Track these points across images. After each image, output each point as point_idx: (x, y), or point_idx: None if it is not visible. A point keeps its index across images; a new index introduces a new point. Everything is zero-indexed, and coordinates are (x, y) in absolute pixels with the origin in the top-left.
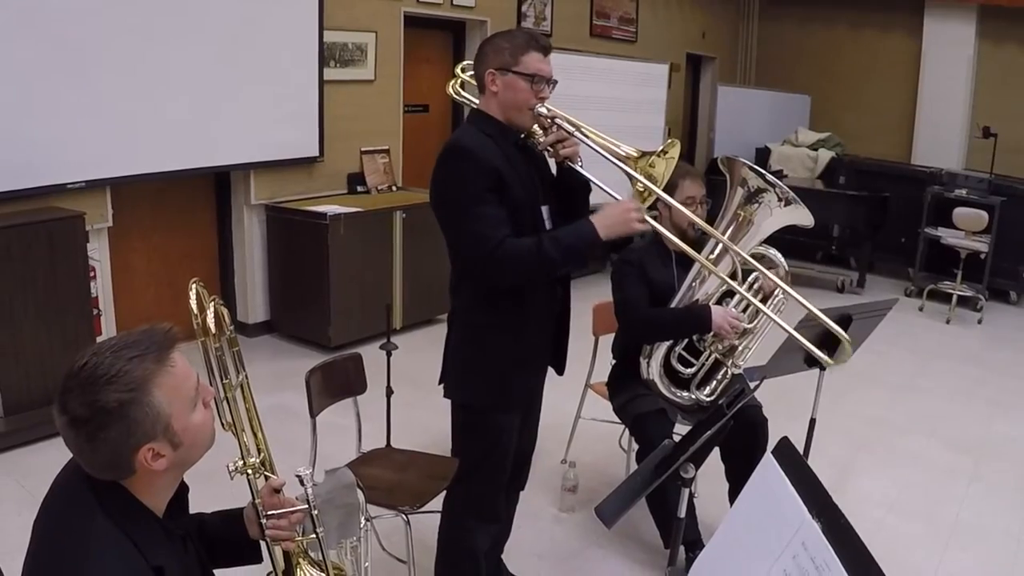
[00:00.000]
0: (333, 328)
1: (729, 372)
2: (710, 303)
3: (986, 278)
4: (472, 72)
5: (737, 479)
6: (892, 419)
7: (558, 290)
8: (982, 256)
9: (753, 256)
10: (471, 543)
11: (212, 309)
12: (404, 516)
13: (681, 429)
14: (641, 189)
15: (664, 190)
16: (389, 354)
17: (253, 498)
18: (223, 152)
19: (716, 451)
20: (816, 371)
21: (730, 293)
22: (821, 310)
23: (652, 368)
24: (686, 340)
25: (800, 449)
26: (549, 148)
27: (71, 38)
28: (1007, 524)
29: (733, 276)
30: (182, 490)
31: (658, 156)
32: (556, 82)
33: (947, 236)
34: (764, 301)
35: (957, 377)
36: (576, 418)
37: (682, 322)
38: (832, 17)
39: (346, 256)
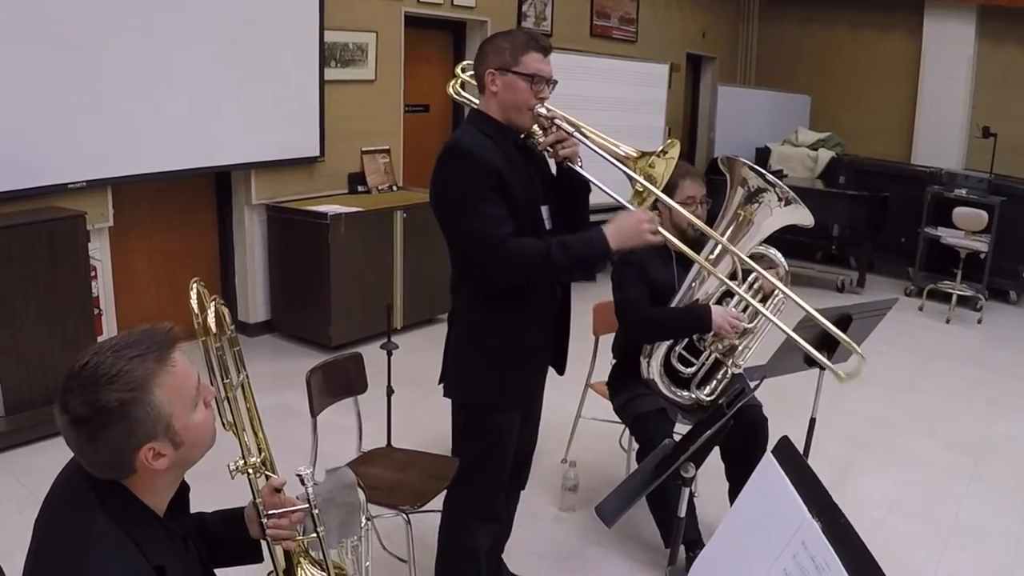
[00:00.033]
0: (334, 328)
1: (729, 372)
2: (710, 303)
3: (986, 278)
4: (472, 72)
5: (737, 479)
6: (892, 419)
7: (558, 290)
8: (982, 256)
9: (753, 256)
10: (472, 542)
11: (213, 309)
12: (405, 515)
13: (681, 428)
14: (640, 189)
15: (664, 190)
16: (390, 354)
17: (254, 497)
18: (224, 152)
19: (716, 450)
20: (816, 371)
21: (730, 293)
22: (821, 309)
23: (652, 368)
24: (686, 340)
25: (800, 449)
26: (549, 148)
27: (72, 38)
28: (1007, 524)
29: (733, 276)
30: (183, 489)
31: (658, 156)
32: (556, 82)
33: (947, 236)
34: (764, 301)
35: (957, 377)
36: (576, 417)
37: (682, 322)
38: (832, 17)
39: (347, 256)
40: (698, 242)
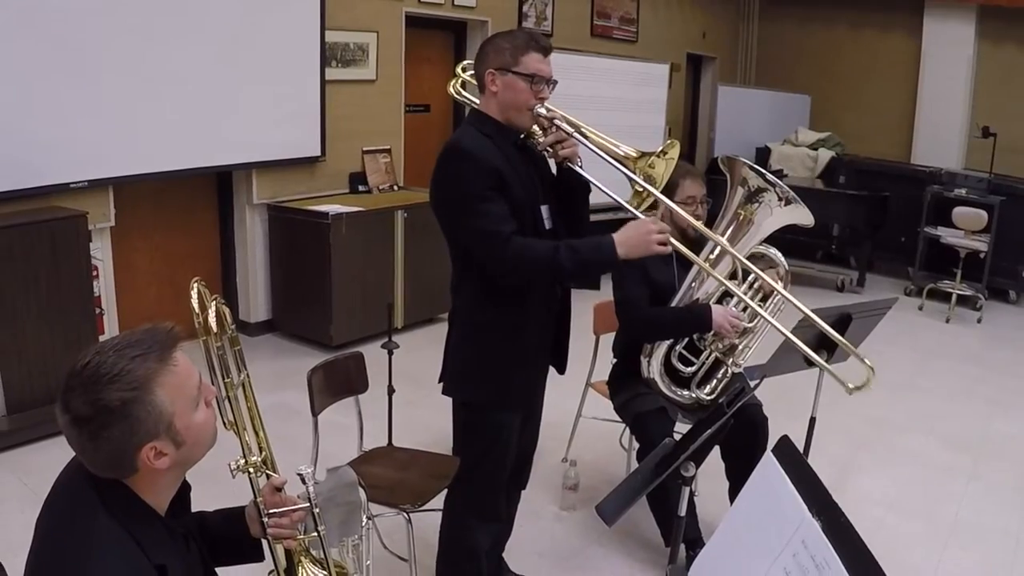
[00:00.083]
0: (335, 327)
1: (729, 371)
2: (710, 302)
3: (985, 277)
4: (473, 72)
5: (737, 478)
6: (892, 418)
7: (558, 290)
8: (981, 255)
9: (753, 255)
10: (472, 541)
11: (213, 308)
12: (405, 514)
13: (681, 428)
14: (640, 190)
15: (664, 190)
16: (391, 353)
17: (255, 496)
18: (225, 152)
19: (716, 450)
20: (816, 370)
21: (730, 292)
22: (821, 309)
23: (652, 367)
24: (686, 339)
25: (800, 448)
26: (548, 148)
27: (73, 38)
28: (1006, 522)
29: (733, 275)
30: (184, 489)
31: (658, 157)
32: (556, 83)
33: (947, 235)
34: (764, 300)
35: (956, 376)
36: (577, 417)
37: (683, 321)
38: (832, 17)
39: (348, 255)
40: (699, 241)
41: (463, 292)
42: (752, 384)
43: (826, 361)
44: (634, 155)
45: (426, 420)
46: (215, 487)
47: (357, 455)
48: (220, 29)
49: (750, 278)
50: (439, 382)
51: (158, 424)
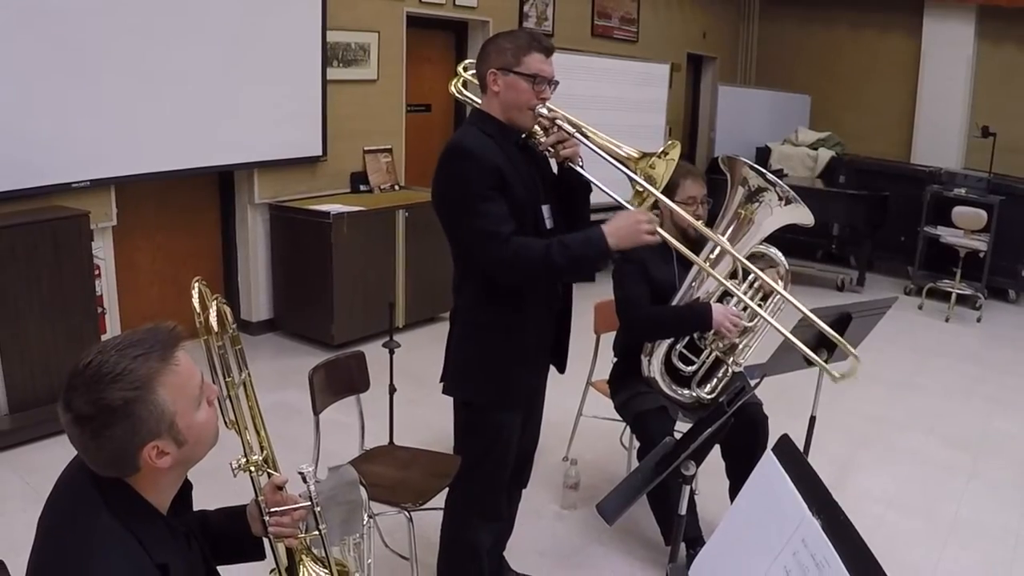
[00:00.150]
0: (336, 326)
1: (730, 370)
2: (711, 301)
3: (985, 277)
4: (474, 71)
5: (738, 476)
6: (891, 417)
7: (560, 289)
8: (981, 255)
9: (754, 254)
10: (473, 540)
11: (215, 307)
12: (407, 513)
13: (682, 427)
14: (640, 190)
15: (665, 190)
16: (392, 352)
17: (256, 495)
18: (227, 151)
19: (717, 448)
20: (816, 369)
21: (730, 291)
22: (821, 308)
23: (653, 366)
24: (687, 338)
25: (800, 446)
26: (550, 148)
27: (74, 38)
28: (1005, 520)
29: (734, 275)
30: (186, 487)
31: (658, 157)
32: (557, 83)
33: (946, 235)
34: (765, 299)
35: (956, 375)
36: (578, 416)
37: (683, 320)
38: (832, 17)
39: (349, 255)
40: (699, 241)
41: (465, 291)
42: (752, 383)
43: (826, 360)
44: (635, 155)
45: (427, 419)
46: (216, 486)
47: (358, 454)
48: (221, 29)
49: (750, 278)
50: (440, 381)
51: (160, 423)
